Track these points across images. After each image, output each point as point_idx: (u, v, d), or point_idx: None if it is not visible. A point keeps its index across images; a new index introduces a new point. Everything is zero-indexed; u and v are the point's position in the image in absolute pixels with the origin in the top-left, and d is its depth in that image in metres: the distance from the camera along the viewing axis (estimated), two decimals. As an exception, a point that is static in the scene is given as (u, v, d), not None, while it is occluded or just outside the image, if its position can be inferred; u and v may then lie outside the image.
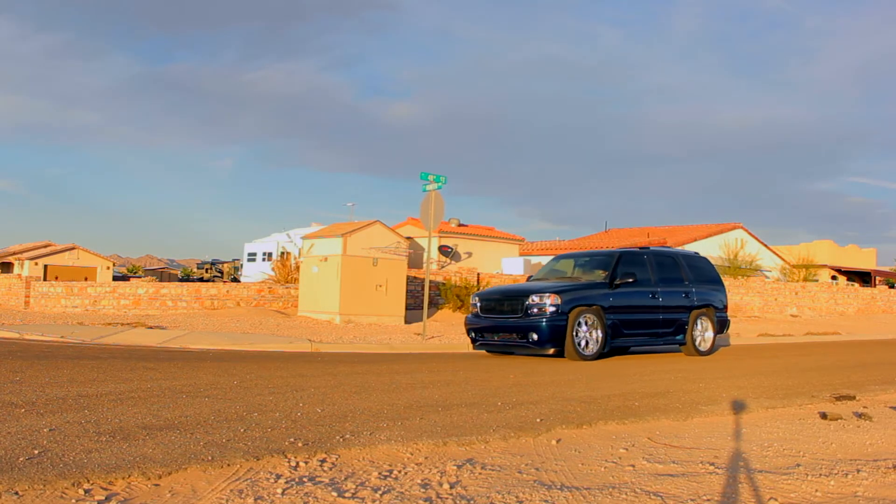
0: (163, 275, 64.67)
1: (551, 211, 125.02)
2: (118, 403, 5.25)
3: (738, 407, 6.44)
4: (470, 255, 31.99)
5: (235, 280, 41.19)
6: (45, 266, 42.69)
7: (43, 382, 6.09)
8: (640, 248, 12.09)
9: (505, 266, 30.12)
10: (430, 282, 17.69)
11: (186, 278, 62.16)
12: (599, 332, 10.24)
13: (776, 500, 3.62)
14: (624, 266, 10.97)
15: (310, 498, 3.36)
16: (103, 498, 3.21)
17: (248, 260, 37.72)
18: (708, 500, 3.60)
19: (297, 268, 20.46)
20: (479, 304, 10.98)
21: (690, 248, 34.43)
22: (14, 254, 44.71)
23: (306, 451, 4.12)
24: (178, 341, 11.09)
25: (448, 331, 15.32)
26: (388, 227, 31.19)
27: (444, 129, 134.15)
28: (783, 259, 36.99)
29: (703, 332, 11.82)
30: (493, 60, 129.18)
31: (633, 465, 4.27)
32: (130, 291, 18.82)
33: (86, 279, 39.07)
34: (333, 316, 16.31)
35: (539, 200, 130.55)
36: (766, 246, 37.50)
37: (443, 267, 27.76)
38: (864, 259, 45.01)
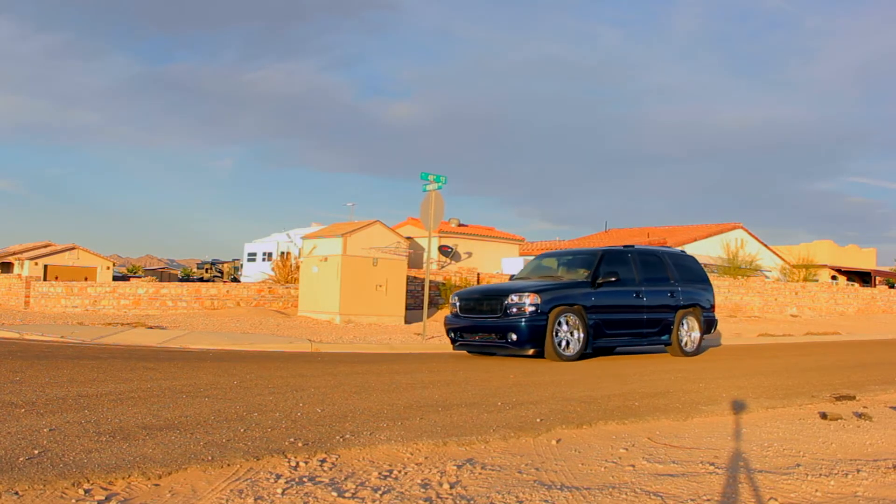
0: (163, 275, 64.66)
1: (551, 211, 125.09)
2: (118, 403, 5.25)
3: (738, 407, 6.44)
4: (470, 255, 31.99)
5: (235, 280, 41.19)
6: (45, 266, 42.69)
7: (43, 382, 6.09)
8: (624, 246, 11.85)
9: (505, 266, 30.11)
10: (430, 282, 17.69)
11: (186, 278, 62.15)
12: (581, 332, 10.05)
13: (776, 500, 3.62)
14: (607, 265, 10.79)
15: (310, 498, 3.36)
16: (103, 498, 3.21)
17: (248, 260, 37.72)
18: (708, 500, 3.60)
19: (297, 268, 20.46)
20: (458, 304, 10.78)
21: (690, 248, 34.45)
22: (14, 254, 44.71)
23: (306, 451, 4.12)
24: (178, 341, 11.09)
25: (448, 331, 15.31)
26: (388, 227, 31.20)
27: (444, 129, 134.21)
28: (783, 259, 37.00)
29: (690, 332, 11.64)
30: (493, 60, 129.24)
31: (633, 465, 4.27)
32: (130, 291, 18.82)
33: (86, 279, 39.06)
34: (333, 316, 16.31)
35: (539, 200, 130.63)
36: (766, 246, 37.52)
37: (443, 267, 27.77)
38: (864, 259, 45.01)
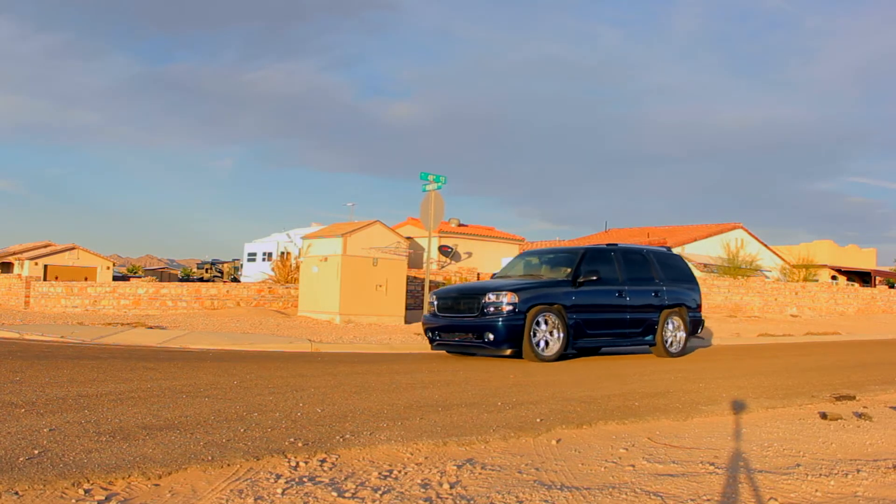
0: (163, 275, 64.66)
1: (551, 211, 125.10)
2: (118, 403, 5.25)
3: (738, 407, 6.44)
4: (470, 255, 32.00)
5: (235, 280, 41.19)
6: (45, 266, 42.70)
7: (43, 382, 6.09)
8: (607, 244, 11.62)
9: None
10: (430, 282, 17.69)
11: (186, 278, 62.16)
12: (560, 332, 9.85)
13: (776, 500, 3.61)
14: (589, 263, 10.60)
15: (310, 498, 3.36)
16: (103, 498, 3.21)
17: (248, 260, 37.74)
18: (708, 500, 3.60)
19: (297, 268, 20.46)
20: (436, 303, 10.56)
21: (690, 247, 34.47)
22: (14, 254, 44.70)
23: (306, 451, 4.12)
24: (178, 341, 11.09)
25: (448, 331, 15.30)
26: (388, 227, 31.21)
27: (444, 129, 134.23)
28: (783, 259, 37.00)
29: (675, 332, 11.42)
30: (493, 60, 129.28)
31: (633, 465, 4.27)
32: (130, 291, 18.82)
33: (86, 279, 39.06)
34: (333, 316, 16.31)
35: (539, 200, 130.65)
36: (766, 246, 37.52)
37: (443, 267, 27.76)
38: (864, 259, 45.01)
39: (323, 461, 4.00)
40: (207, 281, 45.52)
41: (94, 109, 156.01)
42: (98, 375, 6.69)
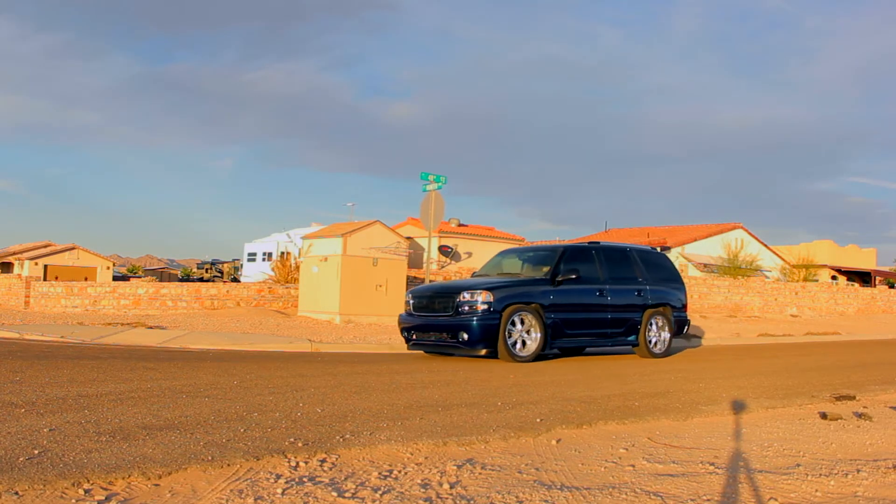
0: (163, 275, 64.68)
1: (551, 211, 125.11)
2: (118, 403, 5.25)
3: (738, 407, 6.44)
4: (470, 255, 32.00)
5: (235, 280, 41.19)
6: (45, 266, 42.71)
7: (43, 382, 6.09)
8: (588, 242, 11.38)
9: (505, 266, 30.06)
10: (430, 282, 17.68)
11: (186, 278, 62.18)
12: (537, 331, 9.65)
13: (776, 500, 3.61)
14: (569, 262, 10.39)
15: (310, 498, 3.36)
16: (103, 498, 3.21)
17: (248, 260, 37.76)
18: (708, 500, 3.60)
19: (297, 268, 20.46)
20: (411, 302, 10.41)
21: (690, 247, 34.48)
22: (14, 254, 44.71)
23: (306, 451, 4.12)
24: (178, 341, 11.09)
25: (448, 331, 15.29)
26: (388, 227, 31.21)
27: (444, 129, 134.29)
28: (783, 259, 37.01)
29: (659, 332, 11.19)
30: (493, 60, 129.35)
31: (633, 465, 4.27)
32: (130, 291, 18.82)
33: (86, 279, 39.06)
34: (333, 316, 16.31)
35: (539, 200, 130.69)
36: (766, 246, 37.53)
37: (443, 267, 27.77)
38: (864, 259, 45.01)
39: (323, 461, 4.00)
40: (207, 281, 45.53)
41: (94, 109, 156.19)
42: (98, 375, 6.69)
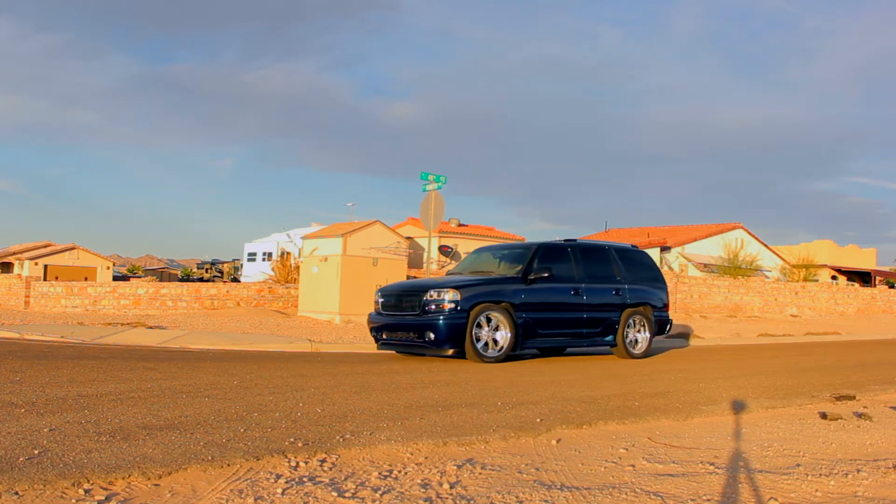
0: (163, 275, 64.70)
1: (551, 211, 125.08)
2: (118, 403, 5.25)
3: (738, 407, 6.44)
4: (470, 255, 31.94)
5: (235, 280, 41.21)
6: (45, 266, 42.71)
7: (43, 382, 6.09)
8: (564, 240, 11.09)
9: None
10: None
11: (186, 278, 62.21)
12: (507, 331, 9.44)
13: (776, 500, 3.62)
14: (542, 260, 10.15)
15: (310, 498, 3.36)
16: (103, 498, 3.21)
17: (248, 260, 37.77)
18: (708, 500, 3.60)
19: (297, 268, 20.46)
20: (380, 301, 10.23)
21: (690, 247, 34.48)
22: (14, 254, 44.72)
23: (306, 451, 4.12)
24: (178, 341, 11.09)
25: (448, 331, 15.28)
26: (388, 227, 31.20)
27: (444, 129, 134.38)
28: (783, 259, 37.02)
29: (637, 332, 10.95)
30: (493, 60, 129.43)
31: (633, 465, 4.27)
32: (130, 291, 18.82)
33: (86, 279, 39.07)
34: (333, 316, 16.31)
35: (539, 200, 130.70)
36: (766, 246, 37.53)
37: (443, 267, 27.77)
38: (864, 259, 45.02)
39: (323, 461, 4.00)
40: (207, 281, 45.55)
41: (94, 109, 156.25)
42: (98, 375, 6.69)
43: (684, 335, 15.75)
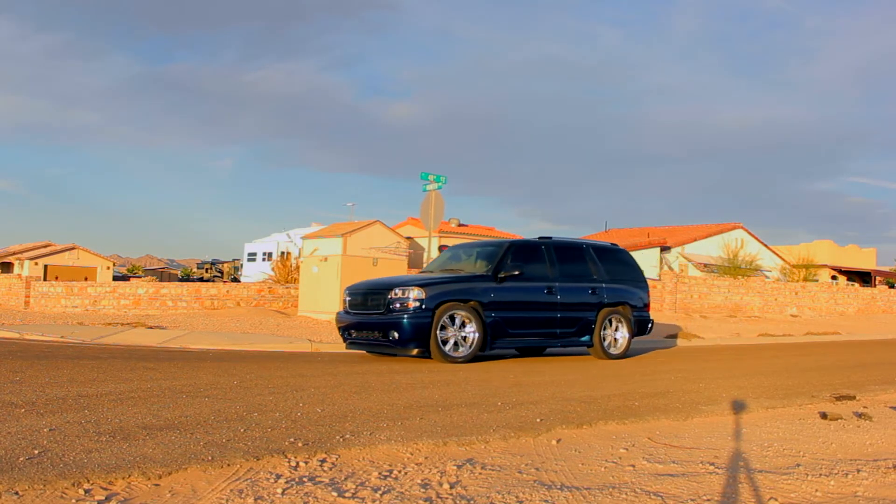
0: (163, 275, 64.70)
1: (551, 211, 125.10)
2: (118, 403, 5.25)
3: (738, 407, 6.44)
4: (470, 255, 31.93)
5: (235, 280, 41.22)
6: (45, 266, 42.72)
7: (43, 382, 6.09)
8: (539, 238, 10.81)
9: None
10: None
11: (186, 278, 62.23)
12: (475, 331, 9.22)
13: (776, 500, 3.61)
14: (514, 258, 9.94)
15: (310, 498, 3.36)
16: (103, 498, 3.21)
17: (248, 260, 37.78)
18: (708, 500, 3.60)
19: (297, 268, 20.46)
20: (347, 299, 10.08)
21: (690, 247, 34.48)
22: (14, 254, 44.72)
23: (306, 451, 4.12)
24: (178, 341, 11.09)
25: (448, 331, 15.28)
26: (388, 227, 31.19)
27: (444, 129, 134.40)
28: (783, 259, 37.02)
29: (615, 332, 10.73)
30: (493, 60, 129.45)
31: (634, 465, 4.27)
32: (130, 291, 18.82)
33: (86, 279, 39.08)
34: (333, 316, 16.30)
35: (539, 200, 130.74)
36: (766, 246, 37.54)
37: (443, 267, 27.72)
38: (864, 259, 45.02)
39: (323, 461, 4.00)
40: (207, 281, 45.56)
41: (94, 109, 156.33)
42: (98, 375, 6.69)
43: (673, 335, 15.72)
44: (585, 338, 10.48)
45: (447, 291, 9.33)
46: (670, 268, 31.41)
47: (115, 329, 12.63)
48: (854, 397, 7.29)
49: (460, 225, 33.95)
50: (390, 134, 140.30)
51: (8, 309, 19.30)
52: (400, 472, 3.89)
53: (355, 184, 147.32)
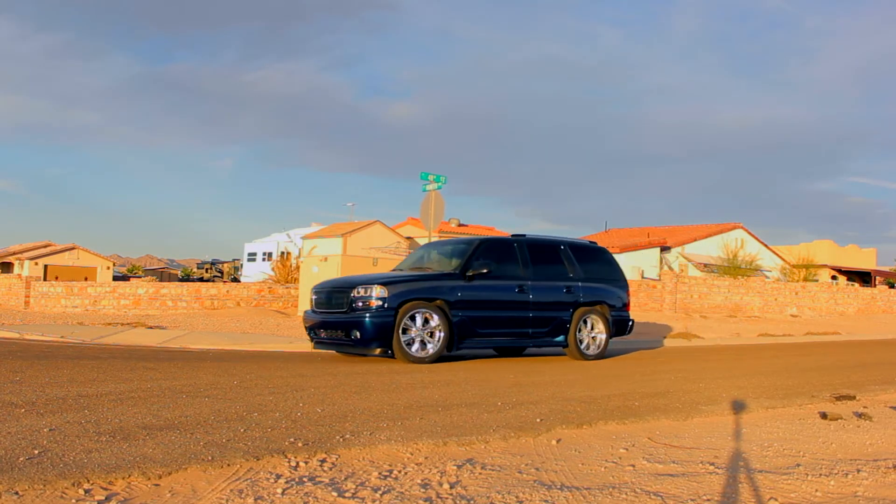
0: (163, 275, 64.71)
1: (551, 211, 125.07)
2: (118, 403, 5.25)
3: (738, 407, 6.44)
4: (470, 255, 31.92)
5: (235, 280, 41.22)
6: (45, 266, 42.73)
7: (43, 382, 6.09)
8: (512, 235, 10.64)
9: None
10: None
11: (186, 278, 62.24)
12: (441, 330, 9.02)
13: (776, 500, 3.62)
14: (483, 255, 9.71)
15: (310, 498, 3.36)
16: (103, 498, 3.21)
17: (248, 260, 37.80)
18: (708, 500, 3.60)
19: (297, 268, 20.47)
20: (313, 298, 9.92)
21: (690, 247, 34.48)
22: (14, 254, 44.72)
23: (306, 451, 4.12)
24: (178, 341, 11.10)
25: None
26: (388, 227, 31.19)
27: (444, 129, 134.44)
28: (783, 259, 37.03)
29: (591, 332, 10.45)
30: (493, 60, 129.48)
31: (634, 465, 4.27)
32: (130, 291, 18.82)
33: (86, 279, 39.08)
34: (333, 316, 16.30)
35: (539, 200, 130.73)
36: (766, 246, 37.55)
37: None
38: (864, 259, 45.03)
39: (323, 461, 4.00)
40: (207, 281, 45.56)
41: (94, 109, 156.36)
42: (98, 375, 6.69)
43: (673, 335, 15.70)
44: (560, 338, 10.23)
45: (411, 290, 9.13)
46: (670, 268, 31.41)
47: (115, 329, 12.64)
48: (854, 397, 7.29)
49: (460, 225, 33.96)
50: (390, 134, 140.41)
51: (8, 309, 19.30)
52: (400, 472, 3.89)
53: (355, 184, 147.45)
